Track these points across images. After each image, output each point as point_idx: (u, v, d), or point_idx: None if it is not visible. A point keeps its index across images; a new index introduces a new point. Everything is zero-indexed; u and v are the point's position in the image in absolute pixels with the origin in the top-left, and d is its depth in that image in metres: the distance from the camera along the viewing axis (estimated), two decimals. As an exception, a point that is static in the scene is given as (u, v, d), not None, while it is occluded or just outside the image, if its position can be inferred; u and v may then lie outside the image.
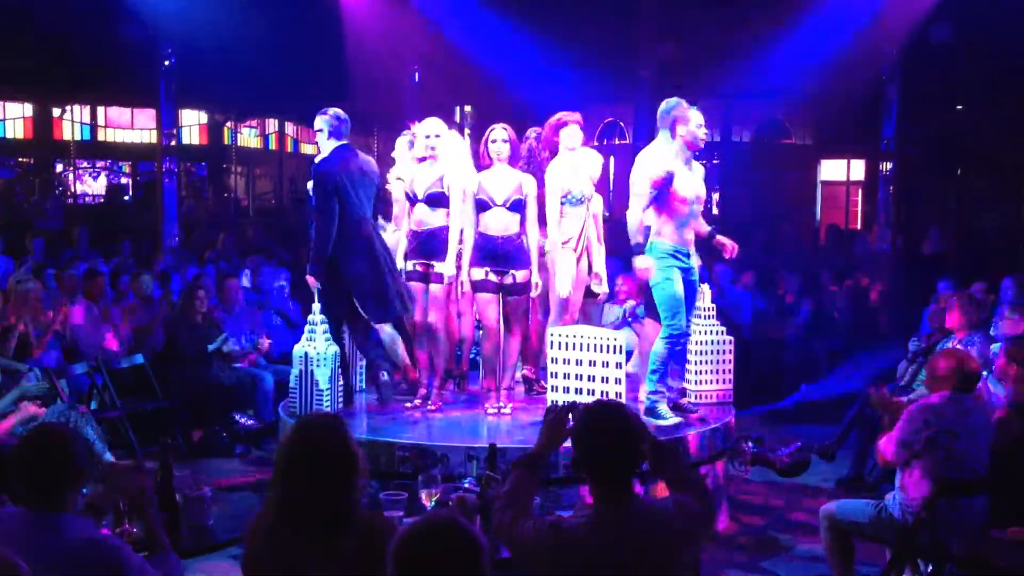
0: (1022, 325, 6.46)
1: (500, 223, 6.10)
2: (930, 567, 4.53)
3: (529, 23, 12.85)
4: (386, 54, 13.89)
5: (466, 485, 4.30)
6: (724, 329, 6.84)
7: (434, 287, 6.22)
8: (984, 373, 6.08)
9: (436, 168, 6.21)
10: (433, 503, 3.89)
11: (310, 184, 6.34)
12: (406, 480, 4.81)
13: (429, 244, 6.19)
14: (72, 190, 18.77)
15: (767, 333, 10.33)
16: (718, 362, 6.72)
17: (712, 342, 6.73)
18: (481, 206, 6.12)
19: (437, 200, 6.17)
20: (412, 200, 6.23)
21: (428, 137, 6.20)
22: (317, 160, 6.34)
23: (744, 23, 13.31)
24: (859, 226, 17.19)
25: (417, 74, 14.09)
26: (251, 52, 12.88)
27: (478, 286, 6.15)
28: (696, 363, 6.61)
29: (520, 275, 6.12)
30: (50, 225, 13.33)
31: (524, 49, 13.17)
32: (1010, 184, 14.58)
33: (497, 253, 6.10)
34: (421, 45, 13.93)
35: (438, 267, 6.18)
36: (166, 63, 12.49)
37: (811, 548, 5.66)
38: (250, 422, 7.95)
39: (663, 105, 5.89)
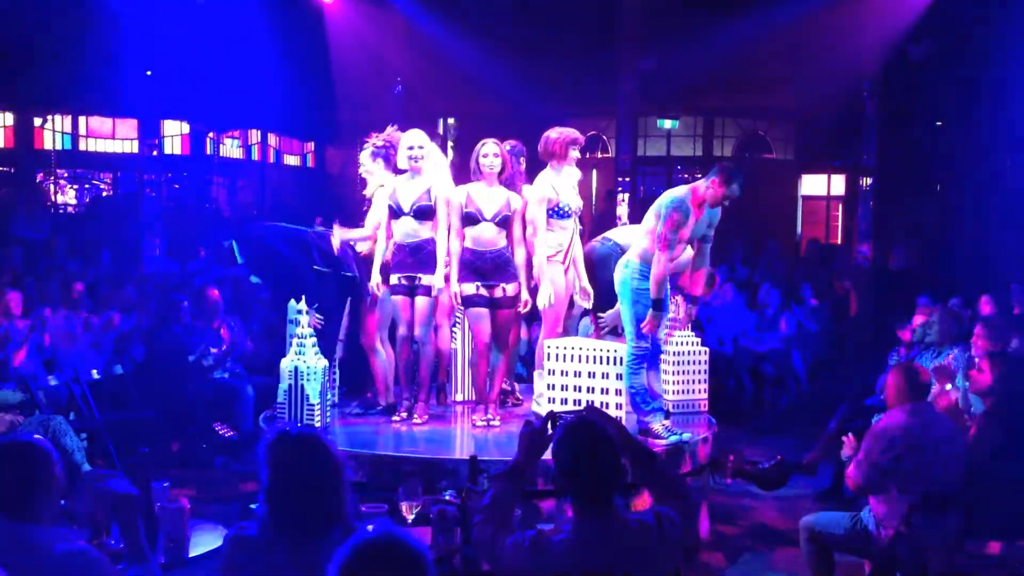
0: (999, 342, 6.51)
1: (489, 237, 6.12)
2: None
3: (512, 36, 12.89)
4: (370, 65, 13.90)
5: (447, 498, 4.30)
6: (699, 340, 6.88)
7: (421, 300, 6.22)
8: (963, 386, 6.14)
9: (422, 181, 6.21)
10: (414, 515, 3.89)
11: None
12: (386, 493, 4.80)
13: (416, 256, 6.19)
14: (53, 199, 18.65)
15: (747, 346, 10.38)
16: (692, 372, 6.75)
17: (687, 352, 6.76)
18: (470, 220, 6.12)
19: (425, 213, 6.17)
20: (397, 212, 6.21)
21: (411, 148, 6.18)
22: (238, 257, 6.64)
23: (726, 39, 13.39)
24: (839, 241, 17.30)
25: (400, 85, 14.10)
26: (233, 62, 12.86)
27: (469, 301, 6.16)
28: (671, 373, 6.63)
29: (510, 288, 6.16)
30: (31, 235, 13.23)
31: (507, 62, 13.21)
32: (988, 200, 14.69)
33: (487, 267, 6.12)
34: (405, 56, 13.96)
35: (425, 279, 6.18)
36: (148, 73, 12.46)
37: (792, 560, 5.68)
38: (229, 433, 7.91)
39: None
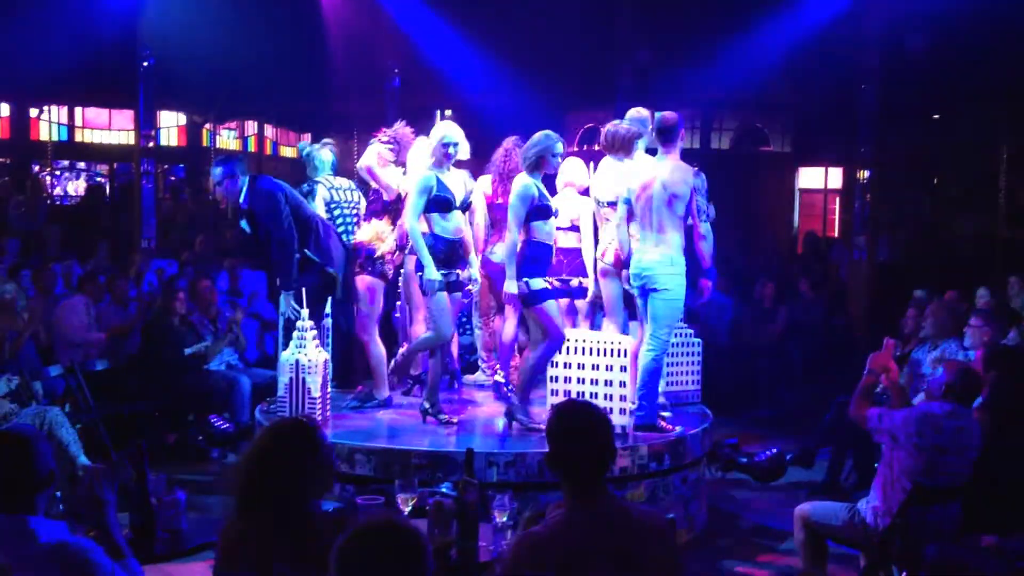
0: (990, 333, 6.52)
1: (554, 232, 6.07)
2: (903, 573, 4.56)
3: (509, 29, 12.86)
4: (366, 57, 13.87)
5: (443, 490, 4.30)
6: (692, 331, 6.89)
7: (457, 296, 6.14)
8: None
9: (458, 174, 6.08)
10: (410, 508, 3.88)
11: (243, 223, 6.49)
12: (383, 484, 4.80)
13: (461, 251, 6.07)
14: (49, 191, 18.62)
15: (743, 339, 10.39)
16: (686, 364, 6.76)
17: (680, 344, 6.77)
18: (543, 214, 5.89)
19: (468, 207, 6.13)
20: (449, 206, 5.91)
21: (449, 145, 5.91)
22: (243, 197, 6.43)
23: (723, 30, 13.37)
24: (836, 234, 17.30)
25: (398, 77, 14.07)
26: (230, 54, 12.82)
27: (542, 295, 5.89)
28: (665, 364, 6.63)
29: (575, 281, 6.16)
30: (27, 226, 13.20)
31: (505, 55, 13.19)
32: (985, 193, 14.71)
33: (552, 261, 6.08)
34: (401, 48, 13.92)
35: (463, 274, 6.09)
36: (145, 64, 12.41)
37: (787, 552, 5.69)
38: (226, 425, 7.90)
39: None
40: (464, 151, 6.17)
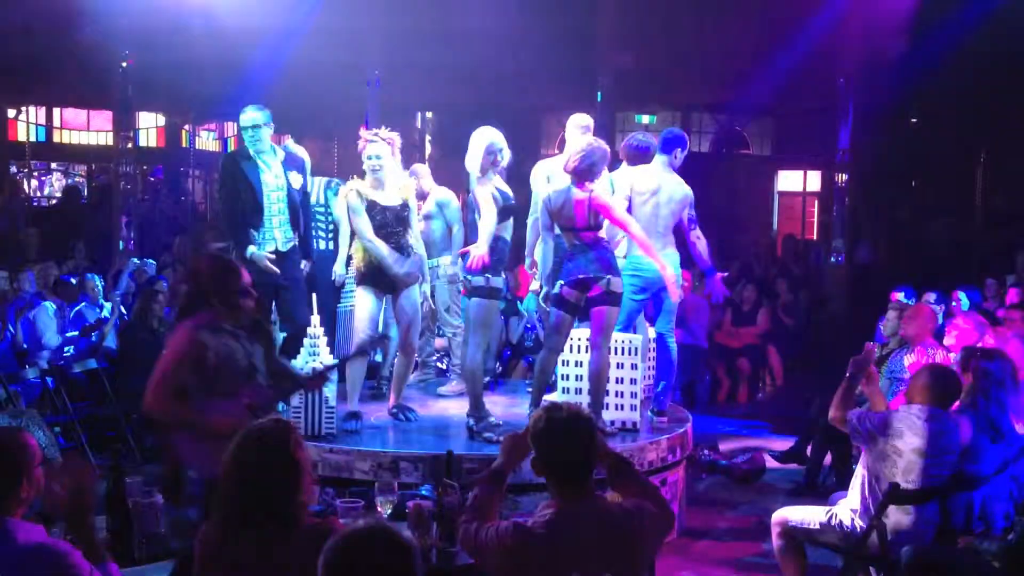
0: (973, 335, 6.56)
1: None
2: (881, 575, 4.58)
3: (491, 30, 12.85)
4: (345, 57, 13.82)
5: (423, 493, 4.30)
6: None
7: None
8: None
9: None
10: (390, 510, 3.88)
11: (296, 177, 6.17)
12: (362, 487, 4.77)
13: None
14: (26, 192, 18.49)
15: (723, 341, 10.43)
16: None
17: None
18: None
19: None
20: (509, 211, 5.68)
21: (494, 152, 5.59)
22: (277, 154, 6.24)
23: (703, 34, 13.43)
24: (815, 236, 17.41)
25: (378, 78, 14.04)
26: (209, 55, 12.77)
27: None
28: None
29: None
30: (5, 228, 13.11)
31: (486, 56, 13.18)
32: (962, 196, 14.84)
33: None
34: (381, 48, 13.89)
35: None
36: (124, 64, 12.34)
37: (765, 554, 5.71)
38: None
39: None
40: (507, 155, 5.85)
